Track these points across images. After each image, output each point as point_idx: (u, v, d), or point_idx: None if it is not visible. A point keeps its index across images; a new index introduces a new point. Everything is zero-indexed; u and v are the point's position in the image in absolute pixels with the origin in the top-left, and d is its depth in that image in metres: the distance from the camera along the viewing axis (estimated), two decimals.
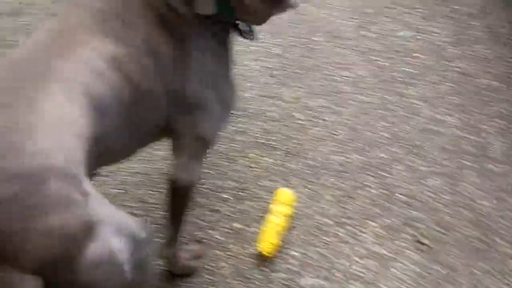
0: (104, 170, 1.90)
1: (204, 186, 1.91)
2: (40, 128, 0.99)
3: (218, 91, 1.35)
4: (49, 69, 1.07)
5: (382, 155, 1.98)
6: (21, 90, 1.04)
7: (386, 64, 2.26)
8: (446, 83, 2.23)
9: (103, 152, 1.17)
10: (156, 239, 1.56)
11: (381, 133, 2.04)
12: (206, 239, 1.78)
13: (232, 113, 1.47)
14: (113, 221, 1.05)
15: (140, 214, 1.78)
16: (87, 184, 1.02)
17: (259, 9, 1.23)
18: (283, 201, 1.79)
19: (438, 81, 2.23)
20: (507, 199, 1.87)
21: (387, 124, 2.06)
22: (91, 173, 1.26)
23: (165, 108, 1.30)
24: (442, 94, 2.19)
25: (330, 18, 2.47)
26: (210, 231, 1.80)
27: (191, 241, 1.77)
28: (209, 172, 1.94)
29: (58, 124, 1.02)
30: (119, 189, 1.87)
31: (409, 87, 2.17)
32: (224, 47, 1.37)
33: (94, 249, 0.98)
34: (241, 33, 1.38)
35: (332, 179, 1.92)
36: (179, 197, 1.47)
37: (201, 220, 1.82)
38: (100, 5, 1.21)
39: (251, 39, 1.41)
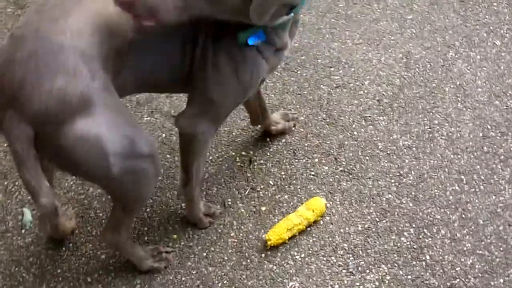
0: None
1: (258, 166, 2.02)
2: (79, 14, 1.22)
3: (237, 67, 1.45)
4: None
5: (435, 215, 1.91)
6: None
7: (497, 137, 2.13)
8: None
9: (128, 69, 1.35)
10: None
11: (447, 195, 1.96)
12: (231, 207, 1.90)
13: (247, 93, 1.53)
14: (115, 116, 1.23)
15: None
16: (101, 71, 1.21)
17: None
18: (312, 207, 1.84)
19: None
20: None
21: (459, 191, 1.97)
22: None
23: (189, 57, 1.44)
24: None
25: (468, 74, 2.38)
26: (239, 203, 1.92)
27: (218, 202, 1.91)
28: (270, 157, 2.05)
29: (95, 19, 1.24)
30: None
31: (505, 166, 2.04)
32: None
33: (83, 124, 1.18)
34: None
35: (374, 214, 1.91)
36: (183, 144, 1.60)
37: (237, 190, 1.94)
38: None
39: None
